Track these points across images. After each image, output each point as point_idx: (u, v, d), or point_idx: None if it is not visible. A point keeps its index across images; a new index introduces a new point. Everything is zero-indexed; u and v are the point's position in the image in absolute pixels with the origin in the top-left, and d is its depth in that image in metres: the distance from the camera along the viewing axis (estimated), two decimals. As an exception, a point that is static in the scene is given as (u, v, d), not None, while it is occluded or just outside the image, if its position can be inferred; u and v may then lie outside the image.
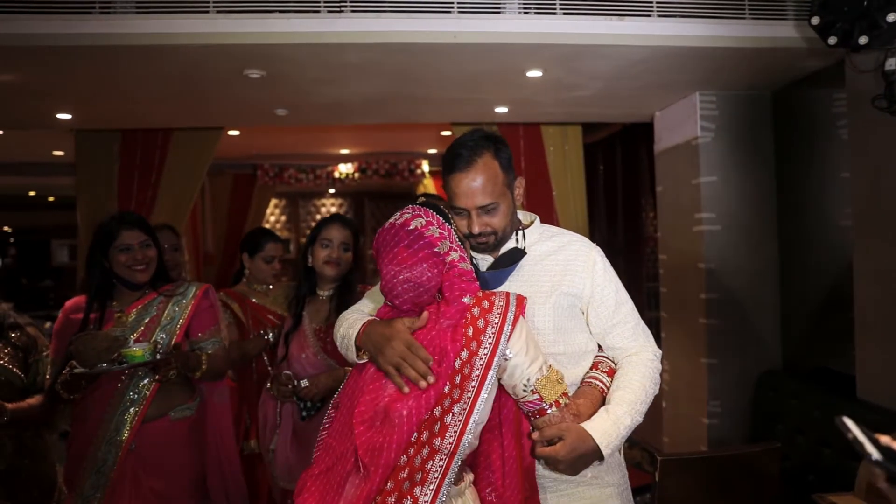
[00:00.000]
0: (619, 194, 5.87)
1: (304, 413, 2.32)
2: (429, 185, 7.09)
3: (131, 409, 2.12)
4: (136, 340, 2.12)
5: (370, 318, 1.51)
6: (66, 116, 3.85)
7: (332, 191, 8.63)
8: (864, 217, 2.82)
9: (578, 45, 2.85)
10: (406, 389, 1.33)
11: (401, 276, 1.35)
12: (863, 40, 2.46)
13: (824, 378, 3.28)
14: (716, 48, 2.92)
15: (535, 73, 3.25)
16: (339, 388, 2.33)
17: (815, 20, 2.58)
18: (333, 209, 8.84)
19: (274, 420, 2.47)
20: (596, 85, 3.50)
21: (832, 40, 2.55)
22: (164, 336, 2.18)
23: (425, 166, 6.96)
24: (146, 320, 2.19)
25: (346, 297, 2.31)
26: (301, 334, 2.39)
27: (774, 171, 3.71)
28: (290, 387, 2.30)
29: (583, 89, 3.59)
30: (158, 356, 2.06)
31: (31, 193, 8.27)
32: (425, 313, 1.39)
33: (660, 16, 2.84)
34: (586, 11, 2.80)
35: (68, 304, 2.22)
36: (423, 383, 1.32)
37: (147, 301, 2.22)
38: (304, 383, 2.27)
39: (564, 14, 2.80)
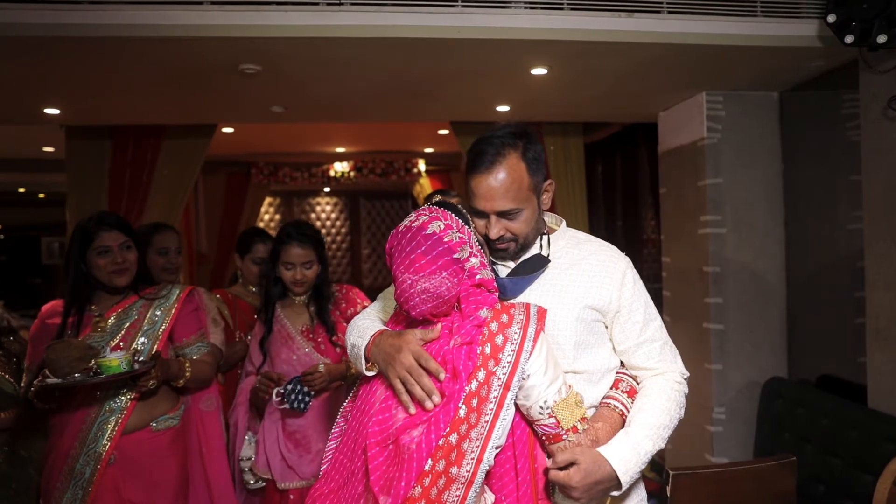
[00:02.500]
0: (618, 195, 5.82)
1: (298, 406, 2.29)
2: (425, 185, 7.02)
3: (111, 419, 1.99)
4: (117, 346, 1.99)
5: (381, 328, 1.42)
6: (54, 111, 3.74)
7: (327, 189, 8.54)
8: (877, 221, 2.75)
9: (585, 41, 2.76)
10: (413, 409, 1.25)
11: (418, 286, 1.25)
12: (881, 39, 2.38)
13: (831, 386, 3.21)
14: (726, 46, 2.84)
15: (539, 71, 3.16)
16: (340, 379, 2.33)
17: (831, 18, 2.50)
18: (328, 208, 8.76)
19: (245, 427, 2.45)
20: (601, 83, 3.42)
21: (849, 39, 2.46)
22: (145, 341, 2.06)
23: (422, 165, 6.89)
24: (126, 325, 2.07)
25: (322, 304, 2.46)
26: (283, 338, 2.42)
27: (782, 174, 3.64)
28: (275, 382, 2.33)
29: (587, 88, 3.51)
30: (137, 365, 1.93)
31: (21, 190, 8.14)
32: (438, 325, 1.30)
33: (670, 12, 2.76)
34: (594, 7, 2.71)
35: (45, 308, 2.10)
36: (428, 403, 1.23)
37: (127, 304, 2.10)
38: (322, 367, 2.30)
39: (572, 10, 2.71)
